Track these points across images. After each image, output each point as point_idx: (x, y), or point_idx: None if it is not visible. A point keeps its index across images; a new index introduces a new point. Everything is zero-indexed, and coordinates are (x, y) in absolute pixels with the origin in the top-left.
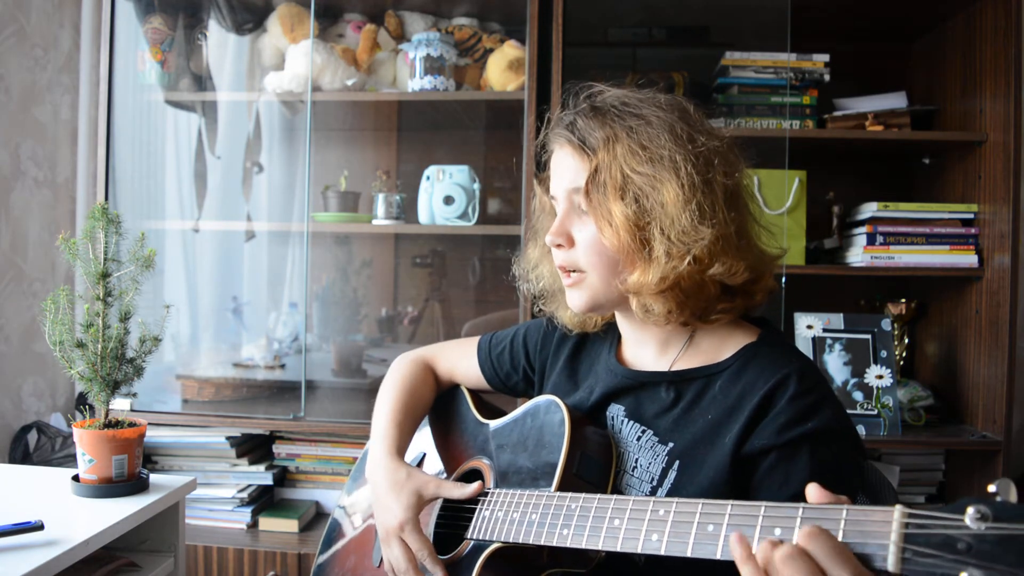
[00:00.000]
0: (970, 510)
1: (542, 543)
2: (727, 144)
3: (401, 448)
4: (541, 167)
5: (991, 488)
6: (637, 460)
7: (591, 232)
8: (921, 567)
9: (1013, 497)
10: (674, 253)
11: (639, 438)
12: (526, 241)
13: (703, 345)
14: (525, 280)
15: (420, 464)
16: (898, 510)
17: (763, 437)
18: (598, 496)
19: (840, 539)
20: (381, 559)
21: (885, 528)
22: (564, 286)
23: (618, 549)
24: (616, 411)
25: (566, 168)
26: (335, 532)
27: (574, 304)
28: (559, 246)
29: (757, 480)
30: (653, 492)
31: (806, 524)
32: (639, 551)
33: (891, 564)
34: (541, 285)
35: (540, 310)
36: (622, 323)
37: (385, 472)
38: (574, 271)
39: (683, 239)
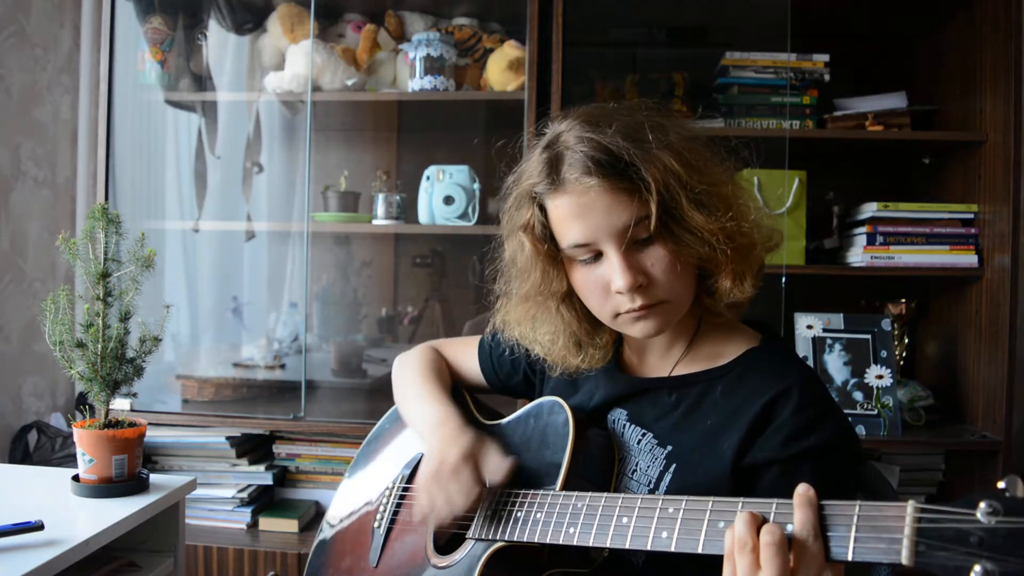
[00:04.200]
0: (982, 505)
1: (547, 542)
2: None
3: (460, 411)
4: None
5: (1000, 484)
6: (637, 463)
7: (666, 259)
8: (935, 560)
9: (1021, 492)
10: (762, 240)
11: (639, 441)
12: (506, 310)
13: (704, 349)
14: (534, 345)
15: (418, 465)
16: (911, 505)
17: (766, 449)
18: (605, 495)
19: (853, 533)
20: (379, 559)
21: (899, 523)
22: (626, 321)
23: (626, 547)
24: (618, 415)
25: (606, 209)
26: (329, 534)
27: (644, 332)
28: (640, 287)
29: (759, 493)
30: (650, 494)
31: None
32: (648, 548)
33: (905, 558)
34: (548, 347)
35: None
36: None
37: (450, 421)
38: (655, 304)
39: (764, 223)
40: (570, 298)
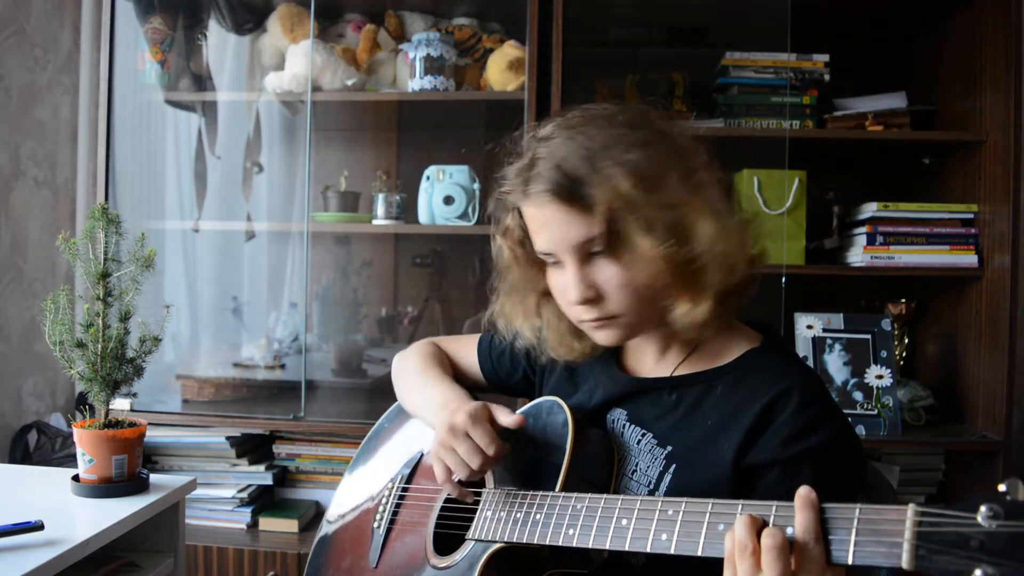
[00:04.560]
0: (982, 508)
1: (547, 543)
2: (681, 131)
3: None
4: (492, 221)
5: (1001, 487)
6: (637, 463)
7: (618, 277)
8: (935, 564)
9: (1022, 496)
10: (723, 271)
11: (639, 441)
12: (495, 301)
13: (705, 350)
14: (517, 338)
15: (418, 464)
16: (911, 508)
17: (766, 450)
18: (604, 496)
19: (853, 536)
20: (379, 560)
21: (899, 527)
22: (589, 328)
23: (626, 548)
24: (618, 415)
25: (561, 224)
26: (329, 534)
27: (607, 341)
28: (590, 301)
29: (759, 494)
30: (650, 495)
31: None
32: (647, 550)
33: (905, 562)
34: (532, 340)
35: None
36: None
37: (456, 400)
38: (608, 318)
39: (728, 255)
40: (551, 295)
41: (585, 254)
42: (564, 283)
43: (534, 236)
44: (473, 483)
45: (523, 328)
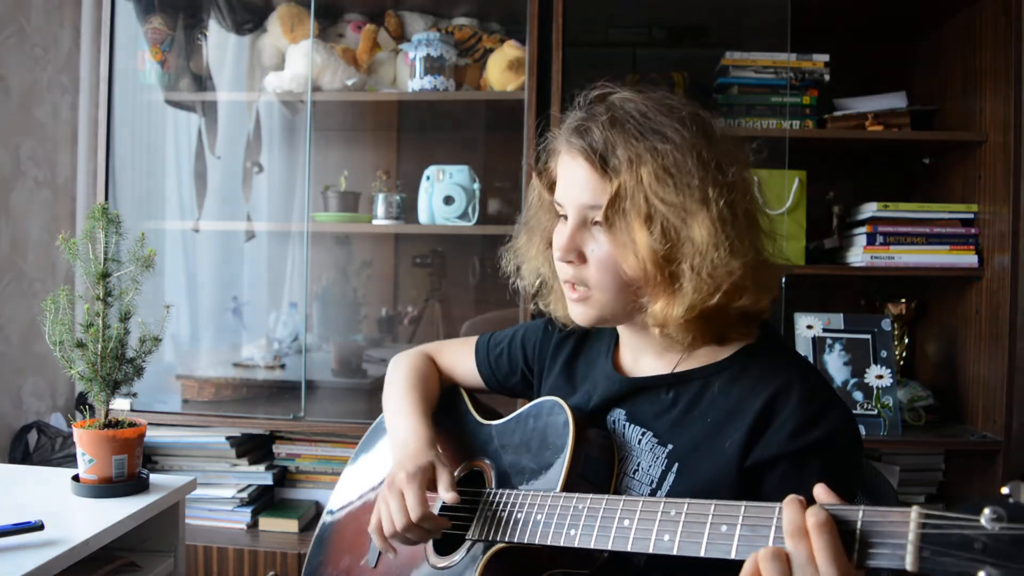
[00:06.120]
0: (986, 511)
1: (548, 543)
2: (745, 160)
3: (431, 430)
4: (538, 159)
5: (1004, 490)
6: (639, 463)
7: (604, 251)
8: (939, 566)
9: None
10: (703, 288)
11: (640, 441)
12: (516, 233)
13: (702, 349)
14: (516, 275)
15: None
16: (915, 510)
17: (771, 447)
18: (606, 497)
19: (858, 538)
20: (377, 560)
21: (903, 528)
22: (568, 298)
23: (628, 549)
24: (617, 415)
25: (579, 182)
26: (327, 533)
27: (579, 318)
28: (570, 262)
29: (768, 491)
30: (653, 494)
31: None
32: (650, 551)
33: (909, 563)
34: (539, 281)
35: (537, 306)
36: (621, 329)
37: (416, 441)
38: (581, 286)
39: (714, 275)
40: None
41: (585, 218)
42: (560, 237)
43: (557, 183)
44: (467, 486)
45: (526, 268)
